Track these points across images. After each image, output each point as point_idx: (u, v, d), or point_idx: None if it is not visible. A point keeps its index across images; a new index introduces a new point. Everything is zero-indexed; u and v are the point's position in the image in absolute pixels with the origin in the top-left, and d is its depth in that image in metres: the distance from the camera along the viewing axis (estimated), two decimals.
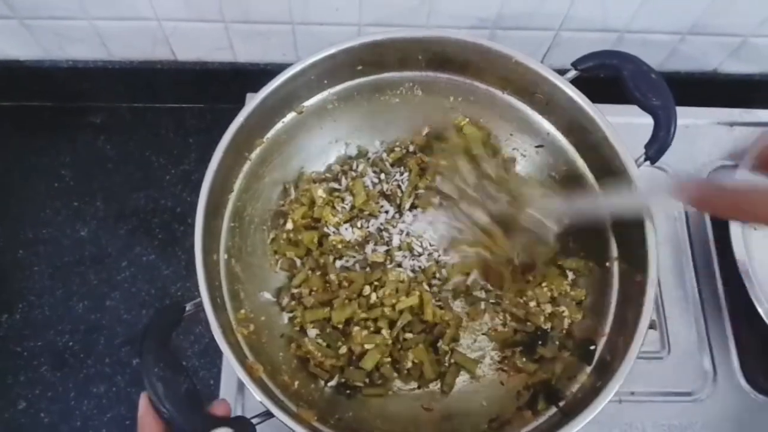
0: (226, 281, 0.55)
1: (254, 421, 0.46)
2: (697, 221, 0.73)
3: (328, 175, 0.69)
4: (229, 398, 0.63)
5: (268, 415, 0.48)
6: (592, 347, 0.58)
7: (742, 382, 0.66)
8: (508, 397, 0.61)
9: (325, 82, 0.63)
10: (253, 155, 0.62)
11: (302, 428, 0.48)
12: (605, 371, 0.54)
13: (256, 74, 0.78)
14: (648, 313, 0.53)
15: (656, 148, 0.57)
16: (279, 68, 0.59)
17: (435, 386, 0.63)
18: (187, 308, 0.48)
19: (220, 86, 0.81)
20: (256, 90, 0.59)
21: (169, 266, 0.76)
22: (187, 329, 0.72)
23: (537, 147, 0.66)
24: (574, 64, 0.60)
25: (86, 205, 0.78)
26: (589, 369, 0.57)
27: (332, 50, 0.59)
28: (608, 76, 0.59)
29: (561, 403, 0.56)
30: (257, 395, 0.47)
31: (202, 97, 0.84)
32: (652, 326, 0.54)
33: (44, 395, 0.69)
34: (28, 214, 0.77)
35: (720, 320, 0.69)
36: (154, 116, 0.84)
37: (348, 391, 0.60)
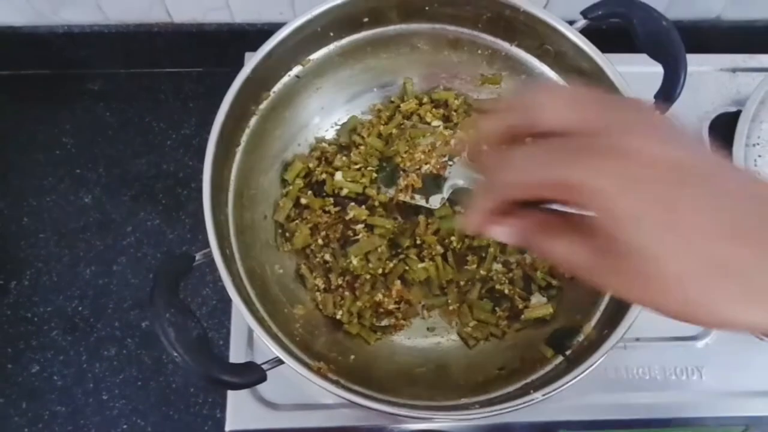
0: (234, 234, 0.55)
1: (264, 367, 0.47)
2: None
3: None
4: (239, 353, 0.64)
5: (277, 362, 0.48)
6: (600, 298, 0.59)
7: None
8: (515, 348, 0.62)
9: (331, 34, 0.62)
10: (260, 108, 0.61)
11: (310, 373, 0.48)
12: (611, 320, 0.55)
13: (254, 35, 0.77)
14: None
15: (666, 97, 0.57)
16: (276, 27, 0.58)
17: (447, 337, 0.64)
18: (196, 257, 0.48)
19: (218, 49, 0.80)
20: (254, 50, 0.58)
21: (173, 230, 0.76)
22: (195, 290, 0.73)
23: None
24: (584, 13, 0.60)
25: (88, 172, 0.78)
26: (595, 319, 0.58)
27: (338, 1, 0.58)
28: (618, 25, 0.58)
29: (568, 352, 0.57)
30: (265, 340, 0.48)
31: (199, 60, 0.83)
32: None
33: (56, 359, 0.70)
34: (30, 182, 0.77)
35: None
36: (153, 81, 0.83)
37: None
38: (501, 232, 0.29)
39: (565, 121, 0.26)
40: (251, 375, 0.45)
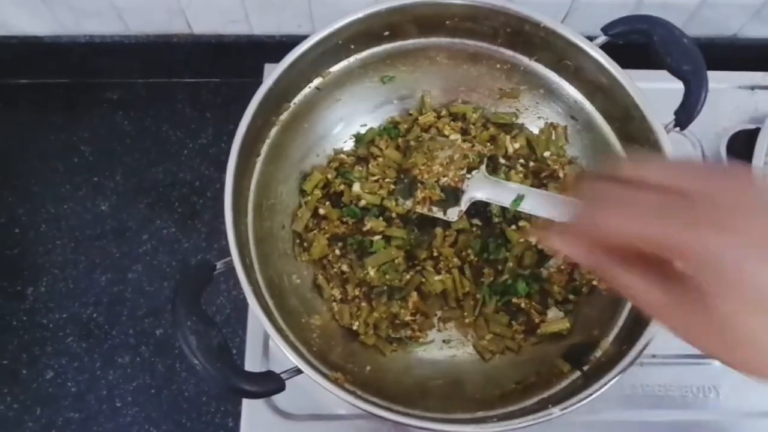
0: (253, 243, 0.56)
1: (282, 376, 0.47)
2: None
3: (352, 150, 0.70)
4: (255, 362, 0.64)
5: (296, 371, 0.48)
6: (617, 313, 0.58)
7: None
8: (531, 363, 0.61)
9: (352, 47, 0.63)
10: (281, 119, 0.62)
11: (329, 383, 0.48)
12: (629, 336, 0.55)
13: (272, 46, 0.78)
14: None
15: (686, 113, 0.58)
16: (295, 40, 0.59)
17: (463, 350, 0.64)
18: (217, 266, 0.48)
19: (236, 60, 0.81)
20: (271, 61, 0.59)
21: (189, 239, 0.76)
22: (209, 300, 0.73)
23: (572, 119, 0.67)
24: (604, 30, 0.60)
25: (106, 180, 0.79)
26: (612, 335, 0.58)
27: (359, 14, 0.58)
28: (638, 42, 0.59)
29: (585, 368, 0.57)
30: (284, 350, 0.48)
31: (217, 71, 0.84)
32: None
33: (71, 365, 0.70)
34: (49, 189, 0.78)
35: None
36: (170, 91, 0.84)
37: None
38: (578, 254, 0.29)
39: (671, 179, 0.27)
40: (270, 384, 0.45)
